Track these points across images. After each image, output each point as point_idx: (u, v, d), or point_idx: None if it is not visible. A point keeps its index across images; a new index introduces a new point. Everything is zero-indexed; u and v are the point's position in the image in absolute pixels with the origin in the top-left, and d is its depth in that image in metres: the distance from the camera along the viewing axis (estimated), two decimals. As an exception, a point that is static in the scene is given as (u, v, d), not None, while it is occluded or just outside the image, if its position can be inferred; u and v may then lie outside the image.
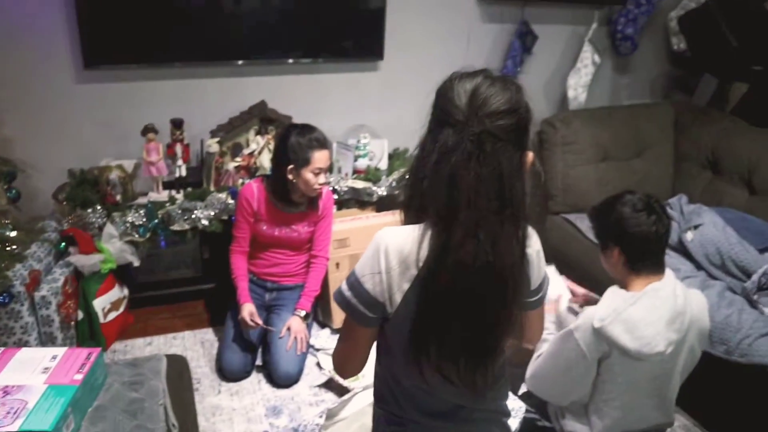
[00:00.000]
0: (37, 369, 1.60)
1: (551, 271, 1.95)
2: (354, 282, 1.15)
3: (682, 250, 2.72)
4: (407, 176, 1.16)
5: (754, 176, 2.97)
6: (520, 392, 1.91)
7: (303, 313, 2.59)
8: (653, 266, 1.71)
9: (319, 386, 2.52)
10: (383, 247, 1.12)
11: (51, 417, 1.42)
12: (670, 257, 2.65)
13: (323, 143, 2.43)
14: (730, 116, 3.38)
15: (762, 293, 2.37)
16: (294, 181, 2.43)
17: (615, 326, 1.60)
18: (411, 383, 1.21)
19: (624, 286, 1.73)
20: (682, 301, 1.67)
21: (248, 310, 2.52)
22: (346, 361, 1.27)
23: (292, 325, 2.55)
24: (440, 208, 1.06)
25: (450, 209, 1.05)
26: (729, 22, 3.18)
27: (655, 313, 1.64)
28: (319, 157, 2.40)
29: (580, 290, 2.10)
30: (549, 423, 1.87)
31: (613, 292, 1.71)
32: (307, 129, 2.43)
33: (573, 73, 3.44)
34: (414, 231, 1.11)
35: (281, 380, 2.51)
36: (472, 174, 1.03)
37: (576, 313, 2.03)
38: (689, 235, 2.68)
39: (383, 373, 1.28)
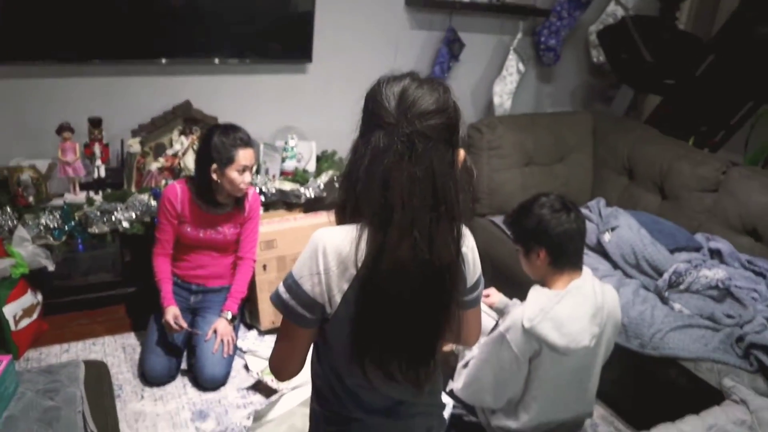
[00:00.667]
0: (-60, 379, 1.51)
1: None
2: (292, 284, 1.14)
3: (600, 250, 2.83)
4: (341, 180, 1.16)
5: (666, 182, 3.14)
6: (448, 388, 1.94)
7: (230, 315, 2.53)
8: (575, 263, 1.78)
9: (247, 388, 2.48)
10: (321, 248, 1.11)
11: (-44, 428, 1.34)
12: (589, 257, 2.76)
13: (247, 142, 2.40)
14: (644, 125, 3.56)
15: (672, 290, 2.50)
16: (219, 181, 2.38)
17: (544, 325, 1.66)
18: (353, 381, 1.21)
19: (546, 284, 1.79)
20: (600, 297, 1.75)
21: (172, 313, 2.45)
22: (285, 363, 1.25)
23: (219, 327, 2.50)
24: (375, 209, 1.06)
25: (385, 210, 1.05)
26: (644, 38, 3.35)
27: (580, 309, 1.70)
28: (244, 155, 2.37)
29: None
30: (475, 418, 1.91)
31: (537, 291, 1.76)
32: (230, 128, 2.40)
33: (499, 81, 3.53)
34: (351, 231, 1.10)
35: (207, 383, 2.45)
36: (404, 174, 1.04)
37: (498, 315, 2.09)
38: (607, 237, 2.80)
39: (324, 372, 1.26)
